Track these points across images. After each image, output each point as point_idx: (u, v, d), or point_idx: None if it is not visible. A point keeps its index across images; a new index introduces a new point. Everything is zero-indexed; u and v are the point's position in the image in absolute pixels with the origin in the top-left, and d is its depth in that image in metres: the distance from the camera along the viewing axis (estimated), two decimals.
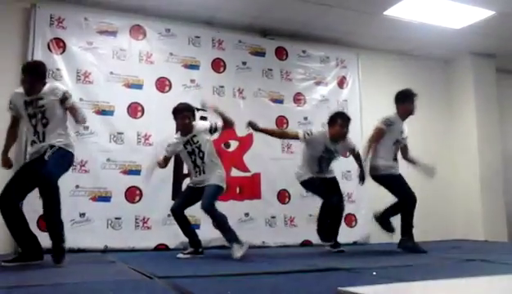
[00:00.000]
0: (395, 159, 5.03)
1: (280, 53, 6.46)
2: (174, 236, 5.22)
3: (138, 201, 5.39)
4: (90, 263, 3.92)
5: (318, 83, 6.57)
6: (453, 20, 6.12)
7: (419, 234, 6.50)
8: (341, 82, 6.73)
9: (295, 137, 5.01)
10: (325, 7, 5.79)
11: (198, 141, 4.50)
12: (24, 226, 3.75)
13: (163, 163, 4.67)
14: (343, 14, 5.98)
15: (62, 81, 5.29)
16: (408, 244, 4.84)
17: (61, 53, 5.35)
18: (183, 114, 4.50)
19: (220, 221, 4.34)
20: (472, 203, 7.07)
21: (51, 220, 3.70)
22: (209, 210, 4.29)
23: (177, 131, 4.69)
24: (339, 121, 4.89)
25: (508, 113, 7.84)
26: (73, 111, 3.86)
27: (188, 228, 4.58)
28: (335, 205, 4.96)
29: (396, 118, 5.01)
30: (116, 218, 5.19)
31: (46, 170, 3.67)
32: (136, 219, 5.37)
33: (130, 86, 5.56)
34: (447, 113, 7.56)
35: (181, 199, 4.68)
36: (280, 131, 5.72)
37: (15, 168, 4.05)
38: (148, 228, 5.40)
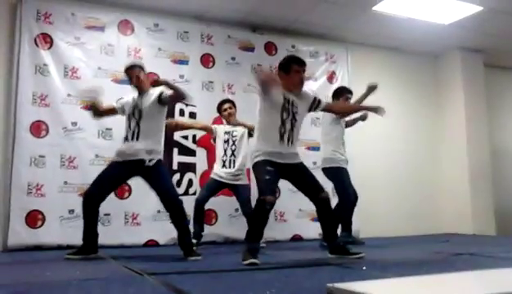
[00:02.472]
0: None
1: (270, 48, 6.44)
2: (164, 232, 5.20)
3: (127, 197, 5.36)
4: (79, 259, 3.89)
5: (307, 78, 6.53)
6: (442, 15, 6.14)
7: (409, 229, 6.59)
8: (330, 77, 6.73)
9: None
10: (314, 2, 5.78)
11: (237, 134, 5.10)
12: (96, 224, 4.01)
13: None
14: (332, 9, 5.98)
15: (50, 76, 5.25)
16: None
17: (48, 48, 5.30)
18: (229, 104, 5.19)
19: None
20: (461, 198, 7.12)
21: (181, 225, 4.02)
22: None
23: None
24: (346, 93, 5.24)
25: (496, 108, 7.90)
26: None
27: (203, 220, 5.04)
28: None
29: None
30: (105, 214, 5.15)
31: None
32: (125, 215, 5.34)
33: (119, 81, 5.51)
34: (436, 108, 7.60)
35: (208, 192, 5.03)
36: None
37: None
38: (137, 224, 5.37)
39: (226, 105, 5.21)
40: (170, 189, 4.10)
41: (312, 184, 3.80)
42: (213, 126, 5.26)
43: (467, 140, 7.19)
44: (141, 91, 4.12)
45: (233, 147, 5.07)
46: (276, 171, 3.65)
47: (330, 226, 3.87)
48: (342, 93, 5.26)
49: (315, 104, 3.94)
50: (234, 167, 5.04)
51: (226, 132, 5.13)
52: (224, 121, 5.27)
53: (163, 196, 4.01)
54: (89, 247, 3.99)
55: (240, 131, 5.13)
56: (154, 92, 4.08)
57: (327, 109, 4.18)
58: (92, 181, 4.02)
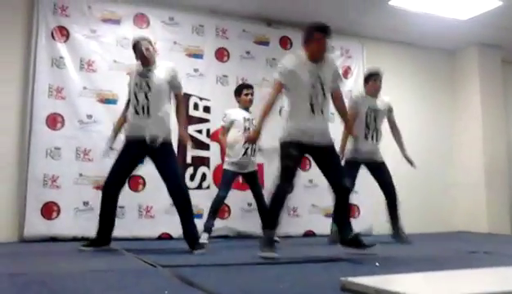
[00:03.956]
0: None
1: (285, 42, 6.42)
2: (177, 225, 5.20)
3: (142, 189, 5.40)
4: (94, 251, 3.93)
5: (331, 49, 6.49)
6: (459, 10, 6.06)
7: (422, 226, 6.54)
8: (346, 72, 6.69)
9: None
10: None
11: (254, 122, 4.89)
12: (114, 214, 4.05)
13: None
14: (348, 3, 5.93)
15: (66, 69, 5.29)
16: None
17: (65, 41, 5.33)
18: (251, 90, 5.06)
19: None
20: (476, 195, 7.04)
21: (186, 215, 4.03)
22: None
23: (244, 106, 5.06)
24: (375, 76, 5.14)
25: None
26: None
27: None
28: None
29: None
30: (120, 207, 5.10)
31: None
32: (139, 207, 5.38)
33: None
34: (452, 104, 7.52)
35: (228, 188, 4.92)
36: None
37: None
38: (151, 216, 5.41)
39: (250, 90, 5.07)
40: (176, 173, 4.03)
41: (335, 170, 3.76)
42: (227, 113, 5.06)
43: (483, 136, 7.10)
44: (148, 65, 4.03)
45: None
46: (299, 154, 3.67)
47: (343, 216, 3.86)
48: (371, 76, 5.21)
49: (334, 77, 3.85)
50: (254, 154, 4.98)
51: (246, 119, 4.97)
52: (240, 106, 5.07)
53: (169, 180, 3.95)
54: (102, 238, 4.02)
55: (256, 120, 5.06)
56: (164, 69, 4.02)
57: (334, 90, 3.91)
58: (110, 169, 4.03)
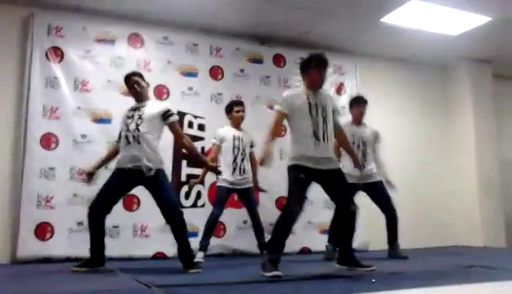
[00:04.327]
0: None
1: (278, 60, 6.46)
2: (172, 244, 5.18)
3: (136, 209, 5.37)
4: (88, 272, 3.90)
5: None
6: (450, 26, 6.14)
7: (418, 241, 6.53)
8: (339, 89, 6.73)
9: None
10: (322, 15, 5.80)
11: (245, 140, 5.03)
12: (103, 236, 4.00)
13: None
14: (341, 21, 6.00)
15: (60, 89, 5.29)
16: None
17: (59, 62, 5.34)
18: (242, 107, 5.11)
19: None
20: (470, 209, 7.06)
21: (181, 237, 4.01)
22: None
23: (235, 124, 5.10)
24: (357, 102, 5.33)
25: (505, 118, 7.85)
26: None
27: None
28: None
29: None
30: (114, 226, 5.16)
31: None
32: (134, 227, 5.35)
33: (128, 94, 5.54)
34: (444, 119, 7.57)
35: (222, 205, 4.92)
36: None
37: None
38: (146, 236, 5.37)
39: (240, 107, 5.11)
40: (171, 200, 4.04)
41: (341, 194, 3.81)
42: (218, 132, 5.07)
43: (476, 150, 7.14)
44: (141, 99, 4.11)
45: (243, 153, 4.99)
46: (307, 178, 3.66)
47: (347, 238, 3.89)
48: (357, 102, 5.34)
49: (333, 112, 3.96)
50: (244, 173, 4.99)
51: (235, 138, 5.00)
52: (231, 123, 5.11)
53: (163, 207, 3.96)
54: (96, 259, 3.99)
55: (247, 137, 5.09)
56: (158, 105, 4.10)
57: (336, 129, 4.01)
58: (97, 193, 4.01)
